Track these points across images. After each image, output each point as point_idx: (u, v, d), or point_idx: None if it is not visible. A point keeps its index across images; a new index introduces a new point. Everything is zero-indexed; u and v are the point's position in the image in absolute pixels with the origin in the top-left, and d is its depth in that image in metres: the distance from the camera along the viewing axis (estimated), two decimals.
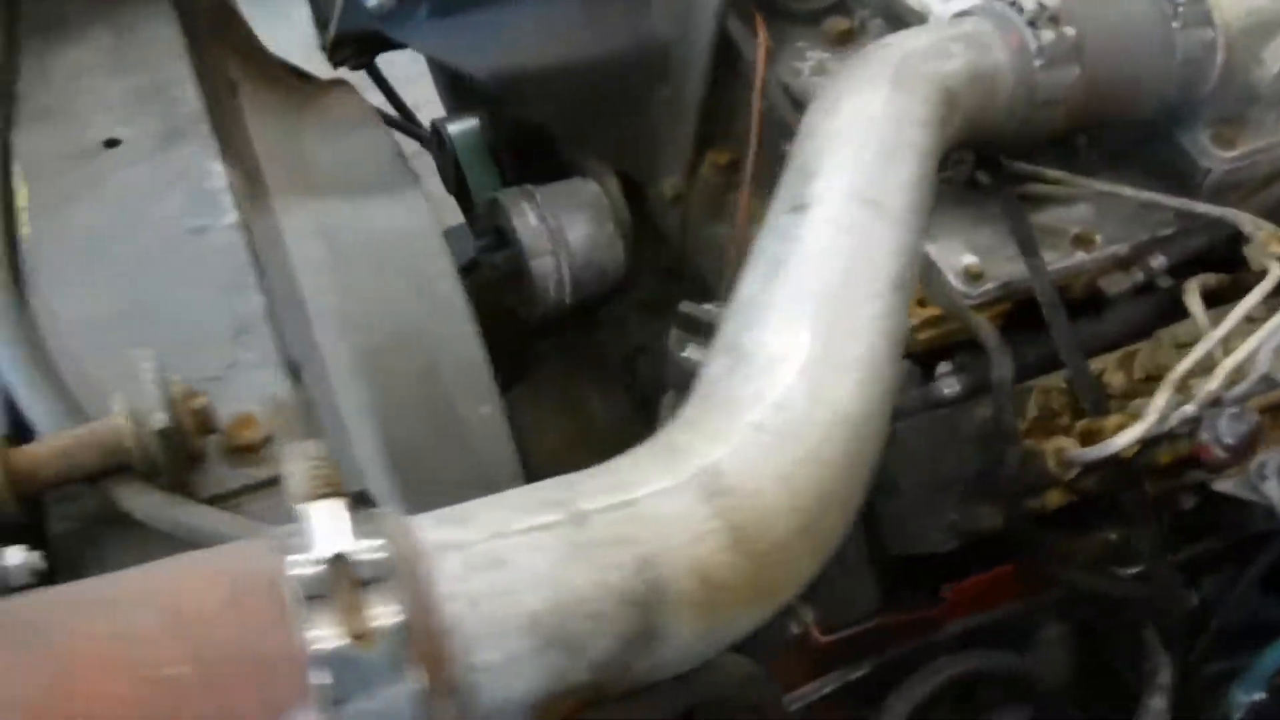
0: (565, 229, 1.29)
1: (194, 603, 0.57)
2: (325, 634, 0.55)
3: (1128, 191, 1.15)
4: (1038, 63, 1.03)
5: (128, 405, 0.74)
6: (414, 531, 0.61)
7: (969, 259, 1.09)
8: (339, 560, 0.57)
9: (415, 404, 0.95)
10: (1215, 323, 1.08)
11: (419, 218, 1.08)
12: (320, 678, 0.56)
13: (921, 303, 1.07)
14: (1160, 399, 0.98)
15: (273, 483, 0.80)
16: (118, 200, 0.98)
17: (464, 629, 0.59)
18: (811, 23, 1.21)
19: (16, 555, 0.71)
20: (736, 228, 1.16)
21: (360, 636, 0.55)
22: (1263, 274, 1.08)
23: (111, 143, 1.02)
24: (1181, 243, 1.16)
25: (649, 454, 0.69)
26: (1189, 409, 0.97)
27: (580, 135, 1.30)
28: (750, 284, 0.80)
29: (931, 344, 1.09)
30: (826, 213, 0.83)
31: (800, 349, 0.73)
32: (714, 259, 1.29)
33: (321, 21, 1.20)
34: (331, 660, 0.55)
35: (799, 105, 1.14)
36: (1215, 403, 0.98)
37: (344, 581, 0.57)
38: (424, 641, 0.57)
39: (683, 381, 1.01)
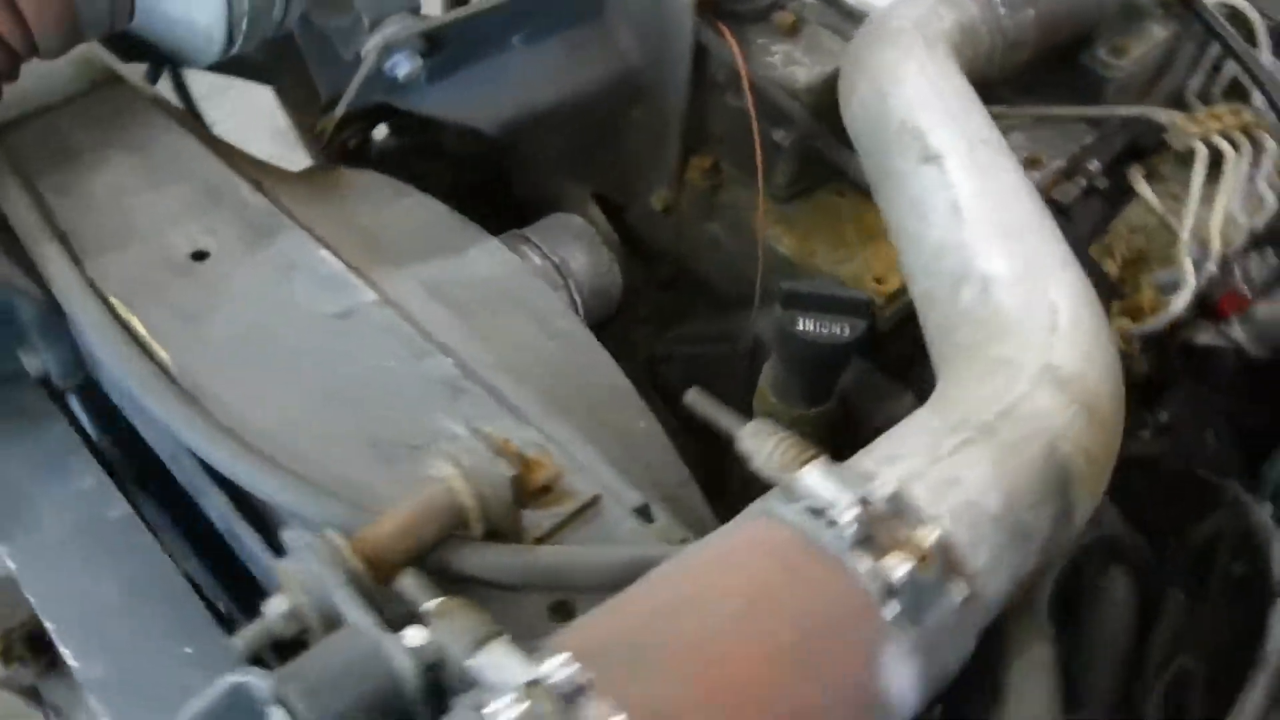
0: (568, 262, 1.33)
1: (751, 581, 0.60)
2: (893, 564, 0.60)
3: (1061, 111, 1.34)
4: (1002, 10, 1.18)
5: (462, 464, 0.74)
6: (877, 472, 0.66)
7: None
8: (865, 503, 0.62)
9: (594, 432, 0.97)
10: (1163, 201, 1.28)
11: (510, 260, 1.10)
12: (892, 608, 0.60)
13: None
14: (1187, 264, 1.15)
15: (576, 516, 0.82)
16: (245, 305, 0.95)
17: (958, 541, 0.65)
18: (758, 20, 1.31)
19: (418, 636, 0.69)
20: (758, 215, 1.24)
21: (923, 559, 0.61)
22: (1186, 152, 1.30)
23: (199, 255, 0.99)
24: (1107, 145, 1.35)
25: (978, 371, 0.76)
26: (1211, 267, 1.15)
27: (572, 167, 1.35)
28: (936, 227, 0.89)
29: None
30: (960, 160, 0.93)
31: (1029, 264, 0.83)
32: (712, 256, 1.37)
33: (310, 103, 1.19)
34: (903, 588, 0.60)
35: (789, 93, 1.24)
36: (1225, 259, 1.17)
37: (878, 520, 0.62)
38: (947, 557, 0.63)
39: (799, 351, 1.09)
